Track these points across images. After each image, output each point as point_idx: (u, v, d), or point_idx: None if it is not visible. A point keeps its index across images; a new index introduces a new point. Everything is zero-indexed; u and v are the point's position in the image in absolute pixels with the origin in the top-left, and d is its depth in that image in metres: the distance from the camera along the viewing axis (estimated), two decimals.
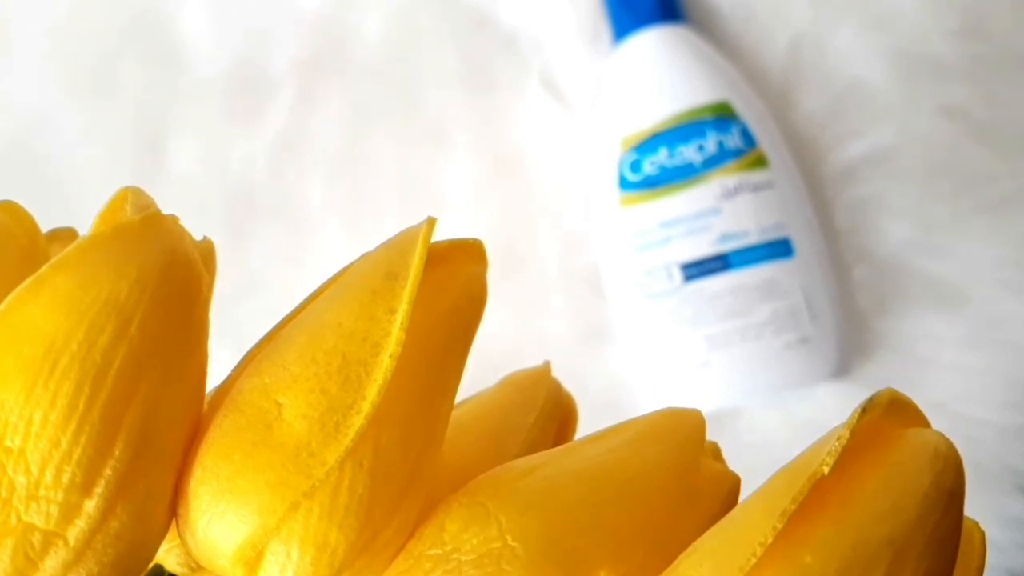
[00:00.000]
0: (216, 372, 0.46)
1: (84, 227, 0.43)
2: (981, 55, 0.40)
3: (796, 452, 0.40)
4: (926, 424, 0.12)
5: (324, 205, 0.45)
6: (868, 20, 0.41)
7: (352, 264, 0.15)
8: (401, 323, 0.14)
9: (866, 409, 0.12)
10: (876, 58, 0.40)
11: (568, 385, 0.41)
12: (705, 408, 0.38)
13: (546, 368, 0.18)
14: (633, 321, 0.39)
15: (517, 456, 0.17)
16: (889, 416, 0.12)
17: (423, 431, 0.14)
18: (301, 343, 0.14)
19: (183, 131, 0.47)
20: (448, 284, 0.15)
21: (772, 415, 0.40)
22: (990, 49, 0.40)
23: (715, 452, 0.16)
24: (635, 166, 0.39)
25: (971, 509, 0.37)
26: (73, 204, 0.47)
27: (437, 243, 0.15)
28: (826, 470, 0.11)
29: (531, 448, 0.17)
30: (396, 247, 0.15)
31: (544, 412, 0.17)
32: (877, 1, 0.41)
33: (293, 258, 0.45)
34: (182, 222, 0.15)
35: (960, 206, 0.39)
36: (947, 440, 0.12)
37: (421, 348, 0.14)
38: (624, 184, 0.39)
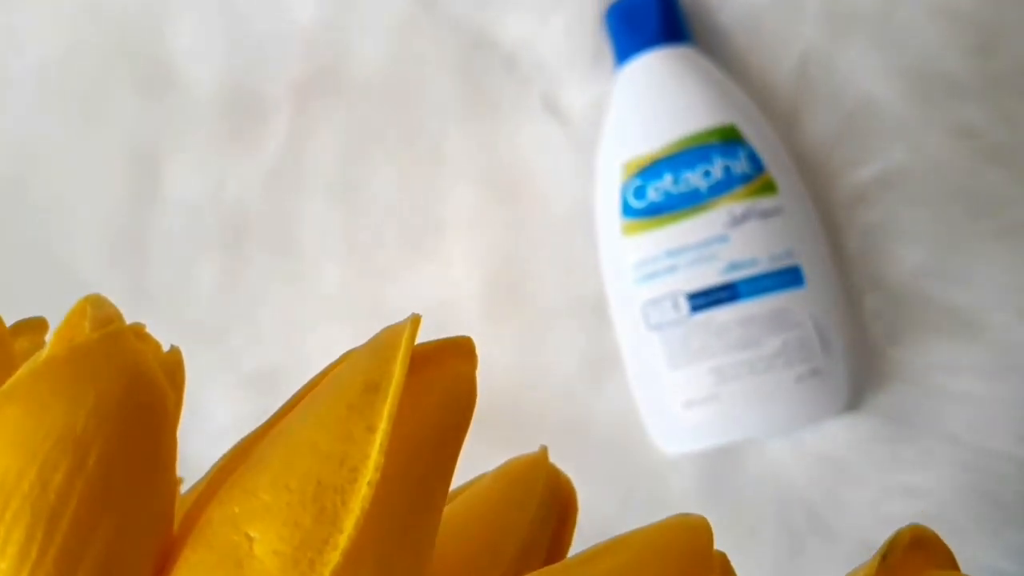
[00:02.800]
0: (214, 406, 0.45)
1: (81, 252, 0.42)
2: (997, 73, 0.38)
3: (805, 486, 0.39)
4: (953, 563, 0.11)
5: (321, 230, 0.44)
6: (878, 37, 0.39)
7: (332, 366, 0.14)
8: (380, 445, 0.13)
9: (886, 555, 0.11)
10: (887, 77, 0.39)
11: (573, 418, 0.41)
12: (713, 443, 0.37)
13: (543, 454, 0.17)
14: (638, 353, 0.38)
15: (513, 559, 0.16)
16: (912, 555, 0.11)
17: (407, 561, 0.13)
18: (274, 466, 0.13)
19: (178, 156, 0.46)
20: (434, 388, 0.14)
21: (782, 448, 0.39)
22: (1006, 67, 0.38)
23: (724, 565, 0.15)
24: (639, 192, 0.38)
25: (986, 544, 0.36)
26: (68, 232, 0.47)
27: (421, 345, 0.14)
28: None
29: (528, 548, 0.16)
30: (377, 351, 0.14)
31: (542, 507, 0.16)
32: (888, 17, 0.39)
33: (290, 285, 0.44)
34: (148, 328, 0.14)
35: (976, 230, 0.38)
36: None
37: (404, 465, 0.13)
38: (627, 211, 0.38)
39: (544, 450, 0.17)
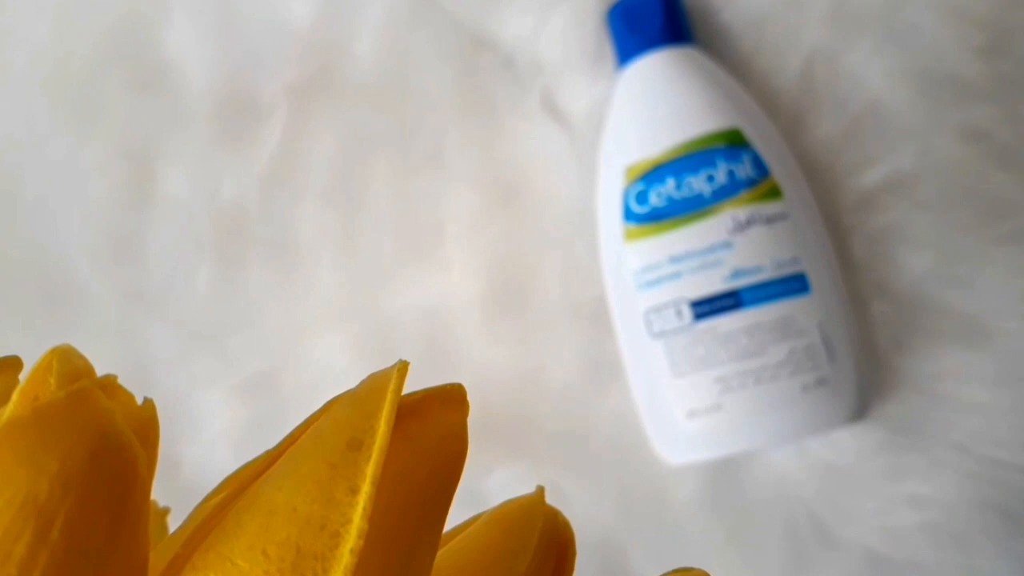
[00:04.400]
0: (210, 411, 0.44)
1: (75, 255, 0.41)
2: (1006, 74, 0.37)
3: (811, 496, 0.39)
4: None
5: (317, 234, 0.43)
6: (885, 37, 0.39)
7: (314, 417, 0.14)
8: (364, 509, 0.12)
9: None
10: (894, 79, 0.38)
11: (573, 426, 0.40)
12: (717, 454, 0.36)
13: (539, 496, 0.17)
14: (640, 361, 0.38)
15: None
16: None
17: None
18: (251, 530, 0.12)
19: (174, 158, 0.45)
20: (422, 443, 0.13)
21: (787, 457, 0.38)
22: (1015, 68, 0.37)
23: None
24: (641, 197, 0.37)
25: (993, 554, 0.35)
26: (63, 234, 0.46)
27: (409, 395, 0.14)
28: None
29: None
30: (361, 403, 0.13)
31: (538, 554, 0.16)
32: (894, 17, 0.39)
33: (285, 288, 0.44)
34: (120, 379, 0.13)
35: (984, 235, 0.37)
36: None
37: (389, 527, 0.12)
38: (630, 216, 0.37)
39: (541, 491, 0.17)
